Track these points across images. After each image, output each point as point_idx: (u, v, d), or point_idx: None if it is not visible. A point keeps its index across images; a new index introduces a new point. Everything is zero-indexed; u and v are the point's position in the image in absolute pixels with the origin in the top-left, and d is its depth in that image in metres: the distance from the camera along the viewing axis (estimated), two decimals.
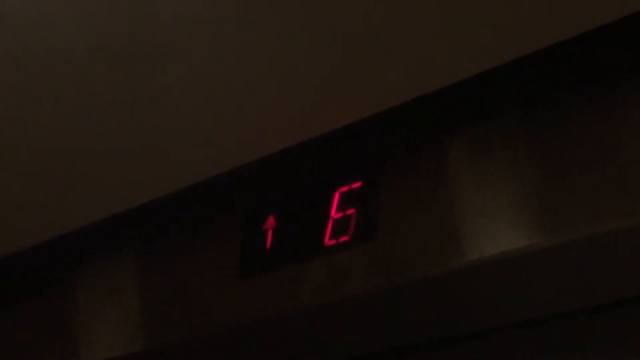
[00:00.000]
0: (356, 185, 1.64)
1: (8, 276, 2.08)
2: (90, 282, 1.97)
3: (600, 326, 1.55)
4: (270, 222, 1.73)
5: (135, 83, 1.59)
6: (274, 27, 1.46)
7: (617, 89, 1.43)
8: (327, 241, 1.63)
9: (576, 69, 1.48)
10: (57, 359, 1.96)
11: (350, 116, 1.57)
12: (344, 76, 1.50)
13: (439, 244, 1.51)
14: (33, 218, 1.92)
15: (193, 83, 1.57)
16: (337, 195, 1.65)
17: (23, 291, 2.09)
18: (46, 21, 1.52)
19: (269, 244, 1.71)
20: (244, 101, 1.58)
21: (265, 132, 1.63)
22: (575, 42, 1.39)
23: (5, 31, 1.53)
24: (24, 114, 1.69)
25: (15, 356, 2.04)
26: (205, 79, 1.56)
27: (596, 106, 1.44)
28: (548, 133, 1.47)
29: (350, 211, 1.63)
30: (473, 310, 1.60)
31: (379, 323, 1.67)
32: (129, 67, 1.57)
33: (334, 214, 1.65)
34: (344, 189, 1.65)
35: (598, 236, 1.39)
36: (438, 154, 1.57)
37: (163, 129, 1.66)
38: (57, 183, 1.81)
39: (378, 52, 1.45)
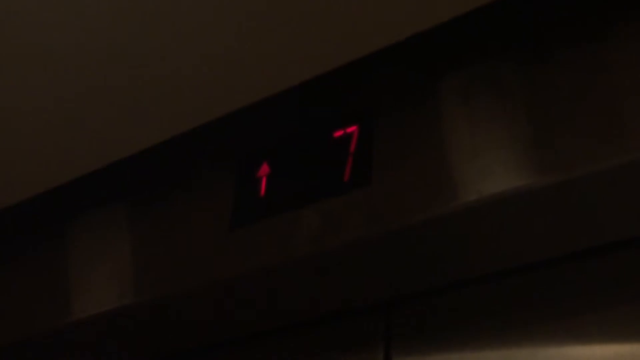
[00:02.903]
0: (351, 129, 1.61)
1: None
2: (81, 236, 1.95)
3: (602, 268, 1.53)
4: (265, 169, 1.70)
5: (127, 37, 1.56)
6: None
7: (611, 27, 1.41)
8: (323, 187, 1.61)
9: (570, 7, 1.45)
10: (49, 313, 1.93)
11: (343, 57, 1.54)
12: (335, 14, 1.47)
13: (436, 187, 1.49)
14: (21, 172, 1.90)
15: (188, 36, 1.55)
16: (331, 140, 1.63)
17: (14, 246, 2.07)
18: None
19: (263, 191, 1.68)
20: (234, 47, 1.56)
21: (256, 76, 1.60)
22: None
23: None
24: (13, 64, 1.66)
25: (8, 311, 2.02)
26: (200, 30, 1.54)
27: (590, 44, 1.42)
28: (541, 72, 1.46)
29: (345, 156, 1.60)
30: (473, 254, 1.57)
31: (376, 270, 1.64)
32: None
33: (329, 158, 1.62)
34: (339, 133, 1.62)
35: (596, 174, 1.37)
36: (432, 97, 1.55)
37: (152, 77, 1.64)
38: (44, 134, 1.79)
39: None
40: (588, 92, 1.40)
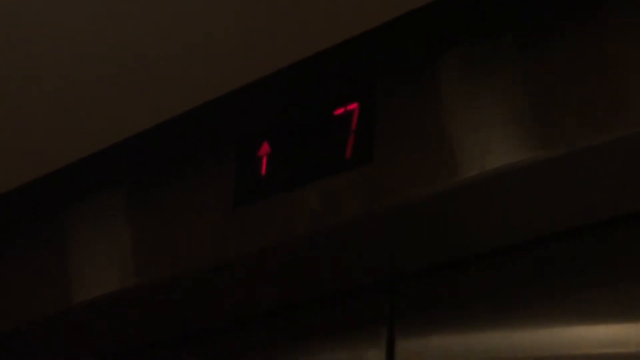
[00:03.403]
0: (352, 106, 1.60)
1: None
2: (82, 219, 1.94)
3: (607, 243, 1.52)
4: (265, 149, 1.69)
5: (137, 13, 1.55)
6: None
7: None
8: (324, 165, 1.60)
9: None
10: (50, 297, 1.93)
11: (342, 34, 1.54)
12: None
13: (438, 163, 1.48)
14: (21, 156, 1.89)
15: (184, 17, 1.54)
16: (332, 118, 1.62)
17: (12, 231, 2.06)
18: None
19: (264, 171, 1.68)
20: (231, 26, 1.55)
21: (255, 55, 1.59)
22: None
23: None
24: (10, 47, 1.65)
25: (10, 296, 2.02)
26: (195, 11, 1.53)
27: (591, 16, 1.41)
28: (543, 46, 1.44)
29: (347, 134, 1.59)
30: (476, 230, 1.56)
31: (378, 249, 1.64)
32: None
33: (330, 137, 1.61)
34: (340, 111, 1.62)
35: (598, 147, 1.36)
36: (433, 72, 1.54)
37: (149, 59, 1.63)
38: (40, 120, 1.78)
39: None
40: (589, 67, 1.39)
